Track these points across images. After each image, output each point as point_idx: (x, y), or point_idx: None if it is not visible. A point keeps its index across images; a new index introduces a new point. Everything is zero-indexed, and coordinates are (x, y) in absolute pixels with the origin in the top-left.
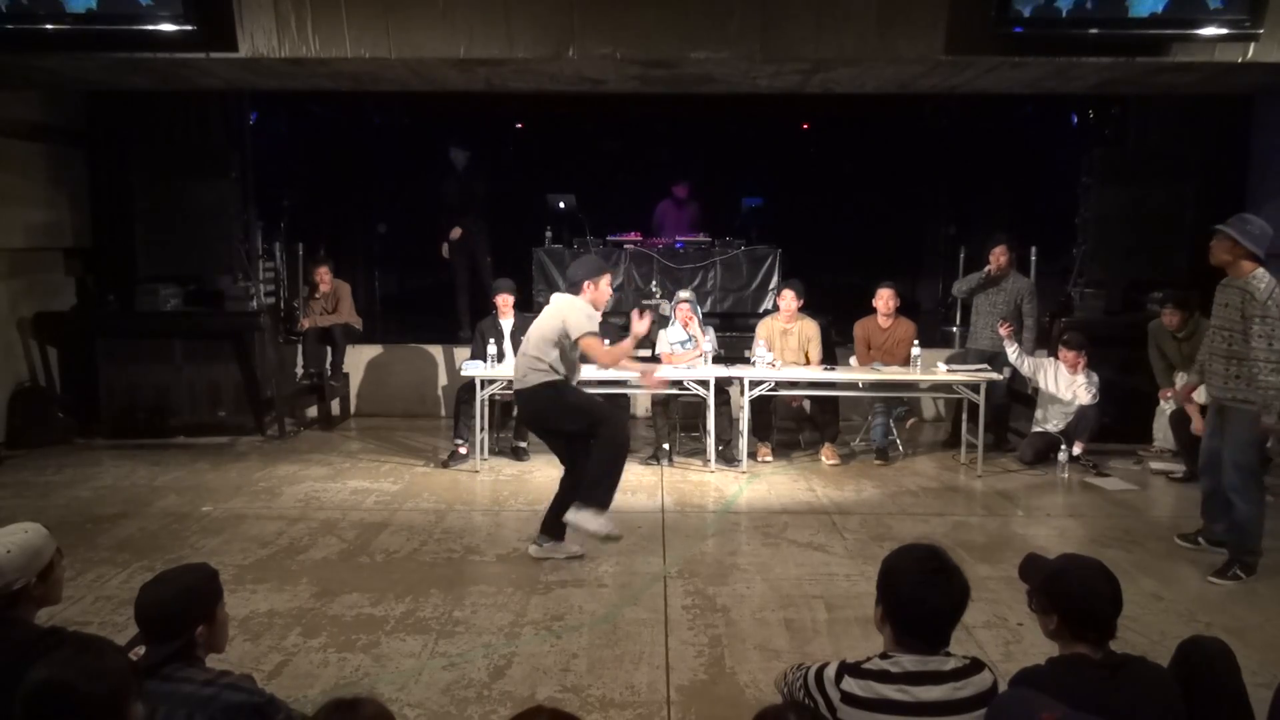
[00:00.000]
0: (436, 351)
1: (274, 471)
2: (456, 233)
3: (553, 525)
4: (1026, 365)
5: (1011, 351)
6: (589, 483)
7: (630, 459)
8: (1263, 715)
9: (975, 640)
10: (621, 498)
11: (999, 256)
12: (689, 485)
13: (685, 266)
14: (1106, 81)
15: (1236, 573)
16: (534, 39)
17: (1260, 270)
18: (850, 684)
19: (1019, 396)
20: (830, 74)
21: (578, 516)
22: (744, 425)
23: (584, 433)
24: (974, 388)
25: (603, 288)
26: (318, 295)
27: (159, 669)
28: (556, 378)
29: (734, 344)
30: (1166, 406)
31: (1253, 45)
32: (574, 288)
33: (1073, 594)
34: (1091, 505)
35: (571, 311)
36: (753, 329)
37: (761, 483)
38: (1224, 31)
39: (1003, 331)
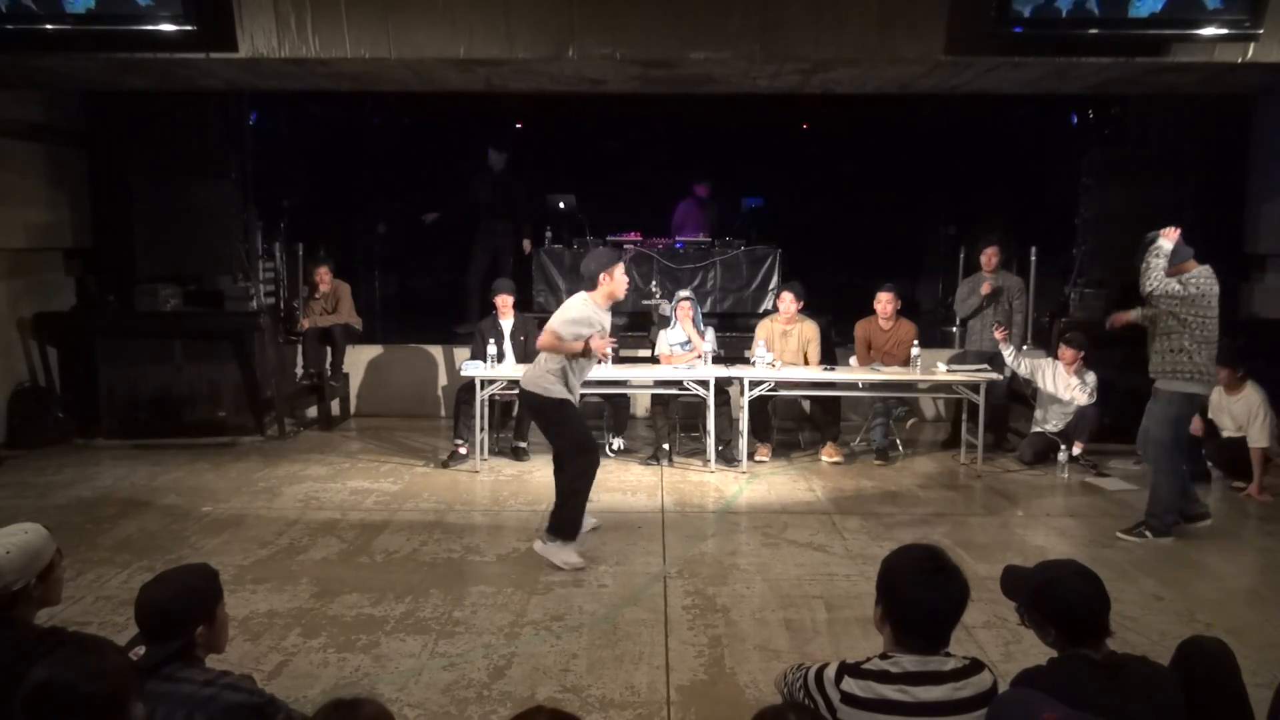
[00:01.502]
0: (436, 351)
1: (274, 471)
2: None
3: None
4: (1024, 367)
5: (1008, 354)
6: (554, 512)
7: (630, 459)
8: (1263, 715)
9: (975, 640)
10: (621, 498)
11: (990, 257)
12: (689, 485)
13: (685, 266)
14: (1106, 81)
15: (1143, 531)
16: (534, 39)
17: (1198, 269)
18: (850, 684)
19: (1019, 397)
20: (830, 74)
21: (545, 548)
22: (744, 425)
23: (564, 451)
24: (974, 388)
25: (618, 278)
26: (318, 295)
27: (159, 669)
28: (567, 395)
29: (734, 344)
30: None
31: (1252, 45)
32: (589, 282)
33: (1063, 605)
34: (1091, 505)
35: (561, 310)
36: (753, 329)
37: (761, 483)
38: (1224, 32)
39: (997, 335)
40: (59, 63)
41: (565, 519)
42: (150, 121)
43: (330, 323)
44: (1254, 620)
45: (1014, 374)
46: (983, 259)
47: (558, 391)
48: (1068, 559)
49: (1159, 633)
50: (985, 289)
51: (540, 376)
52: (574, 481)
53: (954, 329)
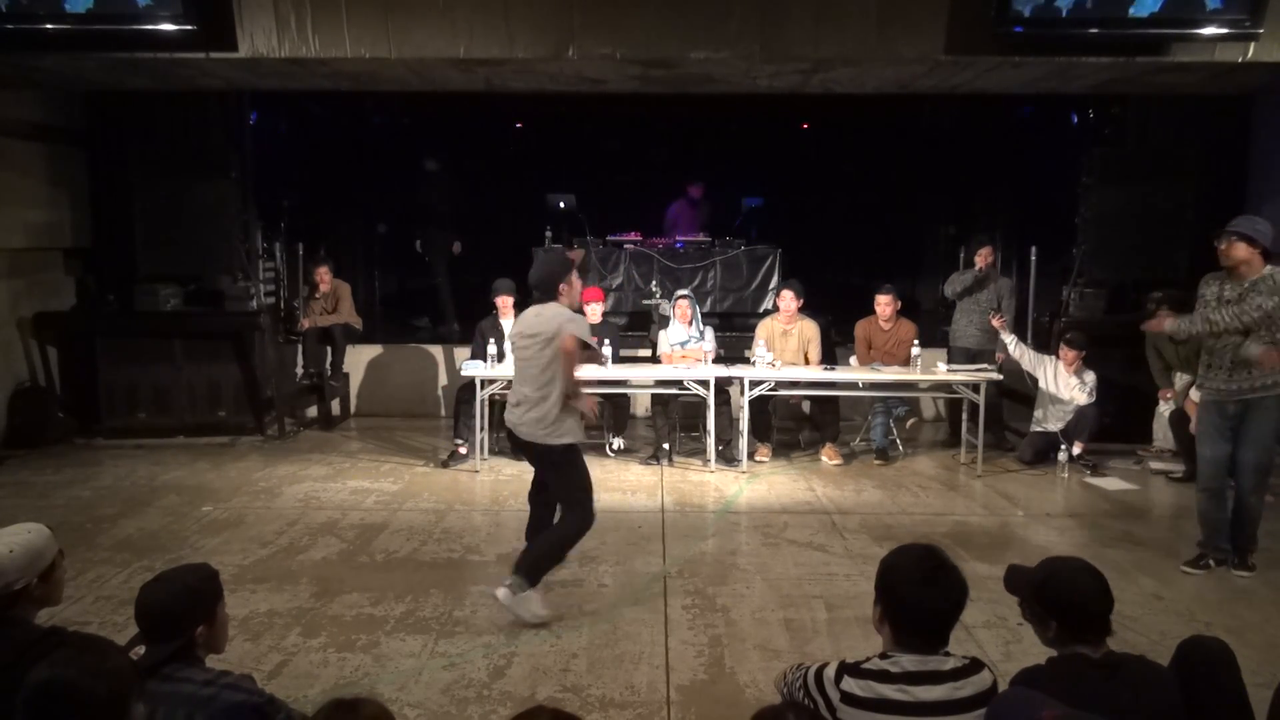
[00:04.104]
0: (436, 351)
1: (274, 471)
2: (457, 247)
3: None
4: (1027, 359)
5: (1010, 342)
6: (533, 557)
7: (630, 459)
8: (1263, 715)
9: (975, 640)
10: (621, 498)
11: (985, 257)
12: (689, 485)
13: (685, 266)
14: (1106, 81)
15: (1252, 563)
16: (534, 39)
17: (1269, 266)
18: (850, 684)
19: (1015, 395)
20: (830, 74)
21: (514, 600)
22: (744, 425)
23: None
24: (974, 387)
25: (576, 284)
26: (318, 295)
27: (159, 669)
28: (571, 440)
29: (734, 344)
30: (1165, 407)
31: (1253, 45)
32: (548, 293)
33: (1065, 598)
34: (1091, 505)
35: (570, 323)
36: (753, 329)
37: (761, 483)
38: (1224, 31)
39: (995, 323)
40: (59, 63)
41: (542, 563)
42: (150, 121)
43: (330, 322)
44: (1254, 620)
45: (1000, 370)
46: (978, 258)
47: (572, 434)
48: (1074, 556)
49: (1159, 633)
50: (979, 263)
51: (552, 422)
52: (569, 532)
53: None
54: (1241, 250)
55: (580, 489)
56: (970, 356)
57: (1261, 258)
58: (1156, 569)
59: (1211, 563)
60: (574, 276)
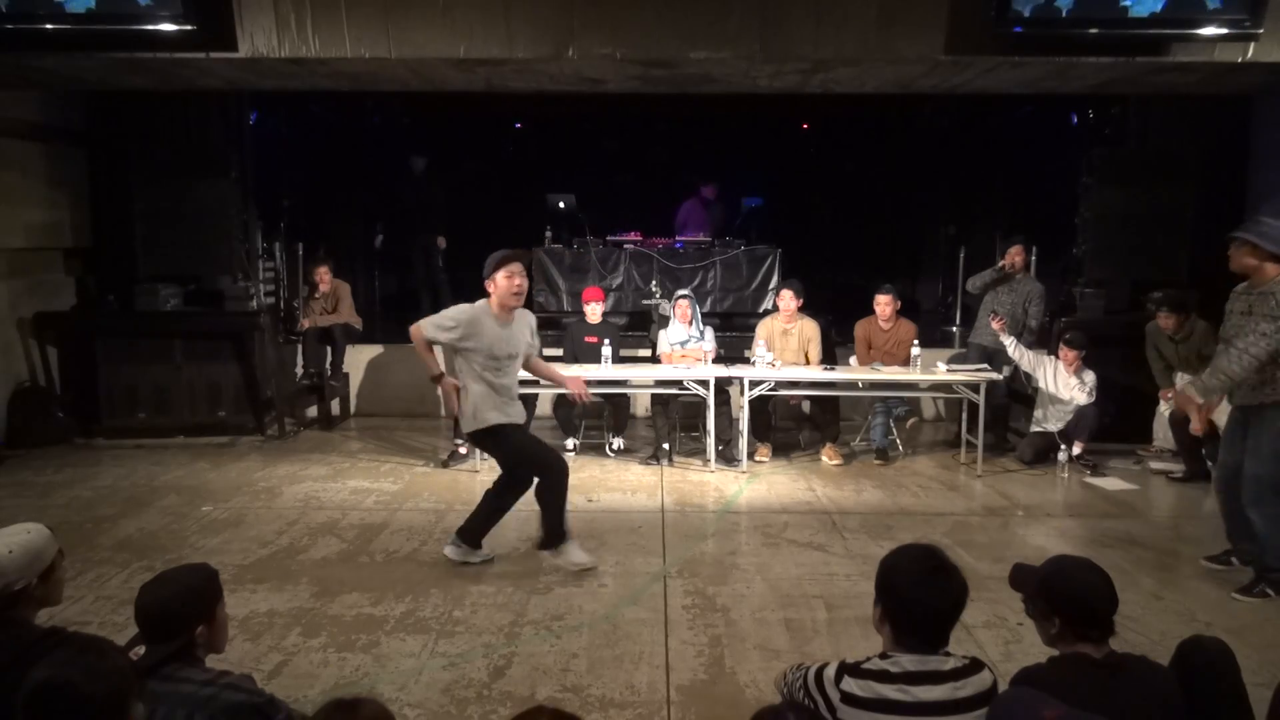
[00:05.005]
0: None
1: (274, 471)
2: (442, 243)
3: (471, 533)
4: (1026, 360)
5: (1009, 344)
6: (546, 523)
7: (630, 459)
8: (1263, 715)
9: (975, 640)
10: (621, 497)
11: (1015, 256)
12: (689, 485)
13: (685, 266)
14: (1106, 81)
15: (1264, 590)
16: (534, 39)
17: None
18: (850, 684)
19: (1019, 396)
20: (830, 74)
21: (560, 557)
22: (744, 425)
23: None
24: (974, 388)
25: (500, 283)
26: (317, 295)
27: (159, 669)
28: (500, 420)
29: (734, 344)
30: (1166, 407)
31: (1253, 45)
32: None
33: (1070, 594)
34: (1091, 505)
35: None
36: (753, 329)
37: (761, 483)
38: (1224, 31)
39: (995, 325)
40: (59, 63)
41: (551, 529)
42: (150, 121)
43: (330, 322)
44: (1254, 620)
45: (1014, 373)
46: (1007, 256)
47: (492, 418)
48: (1081, 556)
49: (1159, 633)
50: (1006, 262)
51: (469, 409)
52: (556, 492)
53: (954, 329)
54: (1246, 256)
55: (515, 461)
56: (987, 355)
57: (1274, 263)
58: (1156, 569)
59: (1235, 560)
60: (500, 274)
